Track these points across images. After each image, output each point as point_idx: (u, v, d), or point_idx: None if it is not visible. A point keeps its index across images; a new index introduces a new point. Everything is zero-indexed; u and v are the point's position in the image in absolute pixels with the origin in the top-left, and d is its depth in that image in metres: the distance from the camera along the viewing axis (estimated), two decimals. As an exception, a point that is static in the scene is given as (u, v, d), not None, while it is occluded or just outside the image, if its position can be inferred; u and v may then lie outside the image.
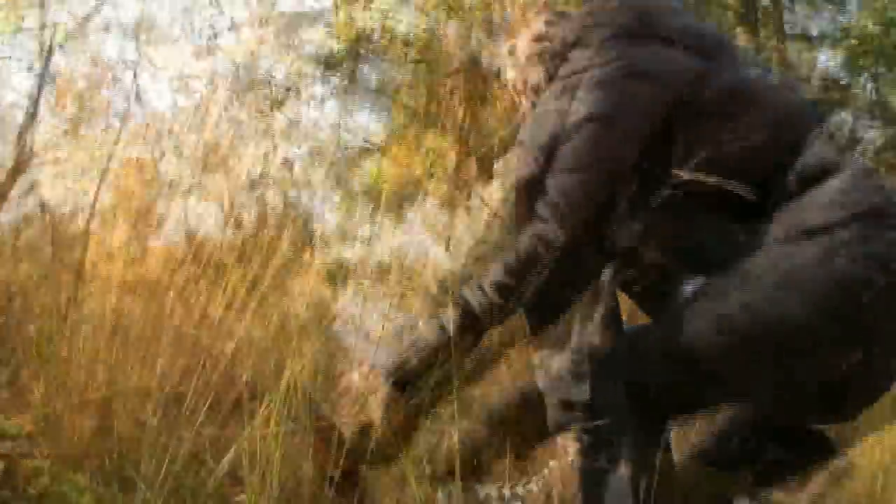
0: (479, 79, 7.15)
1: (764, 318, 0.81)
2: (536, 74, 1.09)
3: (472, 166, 7.14)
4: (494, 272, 0.93)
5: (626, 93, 0.96)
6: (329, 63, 7.82)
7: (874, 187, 0.82)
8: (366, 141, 8.46)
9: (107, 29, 9.05)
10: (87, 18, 8.94)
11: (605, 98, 0.95)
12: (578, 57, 1.02)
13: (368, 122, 8.55)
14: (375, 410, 0.98)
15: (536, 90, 1.07)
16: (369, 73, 7.88)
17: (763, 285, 0.83)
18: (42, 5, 8.67)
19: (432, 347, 0.93)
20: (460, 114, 7.17)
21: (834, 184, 0.83)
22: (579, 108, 0.96)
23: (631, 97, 0.96)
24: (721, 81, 0.99)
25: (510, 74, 1.17)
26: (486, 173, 7.37)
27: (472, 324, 0.91)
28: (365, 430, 0.99)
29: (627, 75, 0.97)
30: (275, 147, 9.02)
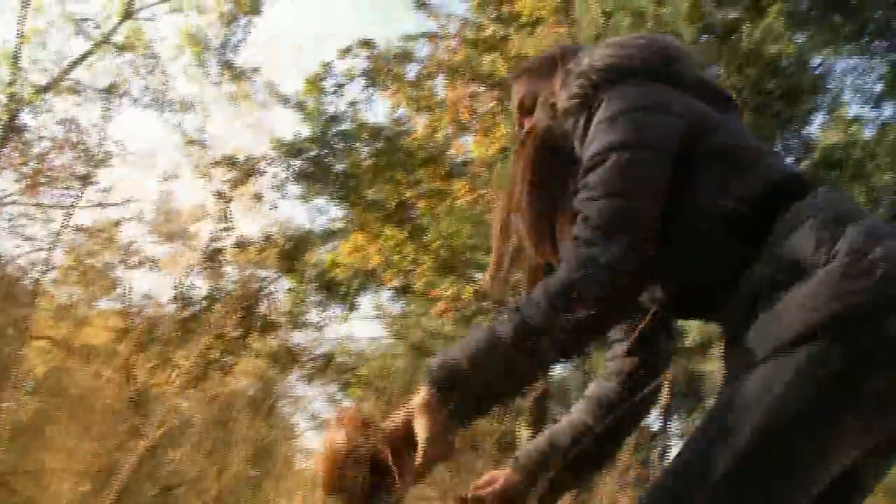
0: (441, 174, 7.27)
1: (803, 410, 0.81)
2: (551, 89, 1.12)
3: (427, 260, 7.17)
4: (551, 291, 0.90)
5: (649, 123, 0.99)
6: (293, 148, 7.88)
7: (852, 289, 0.83)
8: (323, 227, 8.46)
9: (77, 90, 9.04)
10: (58, 78, 8.94)
11: (628, 128, 0.98)
12: (600, 84, 1.05)
13: (328, 208, 8.58)
14: (417, 414, 0.89)
15: (552, 105, 1.10)
16: (334, 160, 7.92)
17: (765, 403, 0.83)
18: (15, 60, 8.66)
19: (484, 351, 0.89)
20: (421, 207, 7.25)
21: (806, 287, 0.85)
22: (602, 137, 0.98)
23: (652, 127, 0.99)
24: (728, 133, 1.03)
25: (521, 86, 1.19)
26: (443, 267, 7.41)
27: (527, 337, 0.89)
28: (405, 437, 0.89)
29: (649, 108, 1.01)
30: (231, 226, 8.93)
